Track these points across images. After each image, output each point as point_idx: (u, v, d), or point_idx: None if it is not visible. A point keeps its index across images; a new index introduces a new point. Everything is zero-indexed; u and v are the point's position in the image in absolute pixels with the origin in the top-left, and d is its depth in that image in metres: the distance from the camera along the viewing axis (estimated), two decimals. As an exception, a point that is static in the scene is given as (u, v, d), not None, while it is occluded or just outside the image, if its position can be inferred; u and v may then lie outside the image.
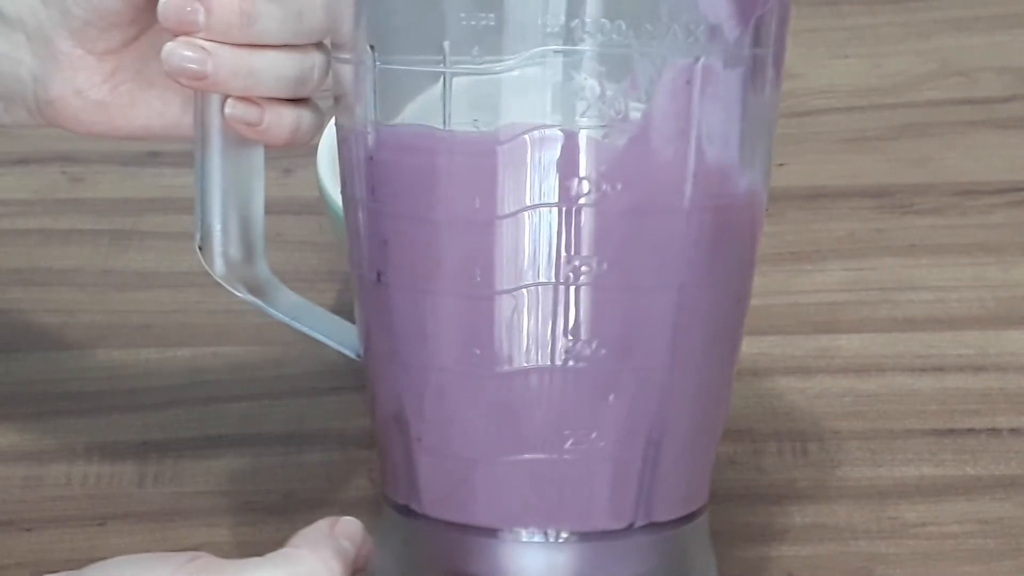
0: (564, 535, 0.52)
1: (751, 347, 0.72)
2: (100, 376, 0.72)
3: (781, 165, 0.84)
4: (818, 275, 0.77)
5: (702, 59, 0.50)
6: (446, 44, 0.49)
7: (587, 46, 0.49)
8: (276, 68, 0.54)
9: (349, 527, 0.53)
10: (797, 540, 0.62)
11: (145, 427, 0.68)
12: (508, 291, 0.50)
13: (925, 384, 0.70)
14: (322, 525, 0.52)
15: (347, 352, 0.57)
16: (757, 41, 0.51)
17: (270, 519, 0.63)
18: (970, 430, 0.68)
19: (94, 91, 0.57)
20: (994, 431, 0.67)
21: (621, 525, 0.52)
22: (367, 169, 0.52)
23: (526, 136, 0.49)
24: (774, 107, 0.53)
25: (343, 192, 0.55)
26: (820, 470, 0.66)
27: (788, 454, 0.67)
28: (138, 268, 0.78)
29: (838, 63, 0.92)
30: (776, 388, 0.70)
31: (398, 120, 0.51)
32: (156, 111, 0.58)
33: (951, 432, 0.68)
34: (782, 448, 0.67)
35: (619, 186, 0.50)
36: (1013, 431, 0.67)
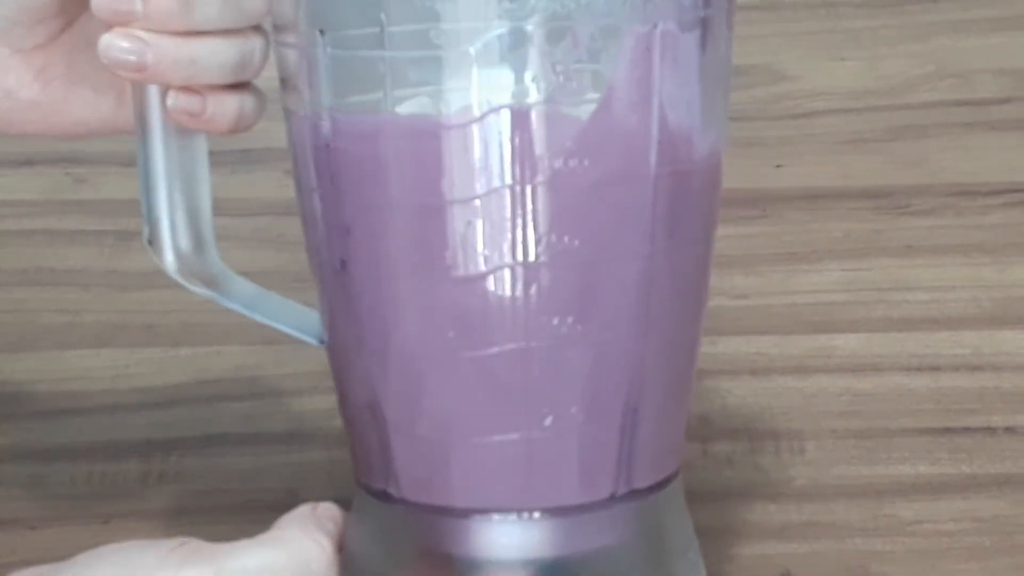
0: (546, 512, 0.52)
1: (749, 347, 0.73)
2: (104, 375, 0.72)
3: (779, 167, 0.84)
4: (815, 275, 0.78)
5: (660, 25, 0.49)
6: (383, 16, 0.48)
7: (540, 20, 0.48)
8: (217, 55, 0.51)
9: (330, 510, 0.53)
10: (794, 538, 0.62)
11: (149, 426, 0.69)
12: (481, 274, 0.50)
13: (921, 383, 0.70)
14: (304, 509, 0.53)
15: (309, 340, 0.56)
16: (708, 2, 0.50)
17: (273, 517, 0.63)
18: (966, 429, 0.68)
19: (25, 90, 0.55)
20: (989, 430, 0.68)
21: (603, 496, 0.52)
22: (324, 157, 0.51)
23: (487, 117, 0.48)
24: (728, 63, 0.53)
25: (296, 178, 0.53)
26: (817, 468, 0.66)
27: (785, 453, 0.67)
28: (142, 268, 0.78)
29: (835, 65, 0.92)
30: (773, 387, 0.71)
31: (353, 107, 0.50)
32: (90, 105, 0.56)
33: (947, 431, 0.68)
34: (779, 447, 0.67)
35: (585, 160, 0.49)
36: (1008, 430, 0.68)
